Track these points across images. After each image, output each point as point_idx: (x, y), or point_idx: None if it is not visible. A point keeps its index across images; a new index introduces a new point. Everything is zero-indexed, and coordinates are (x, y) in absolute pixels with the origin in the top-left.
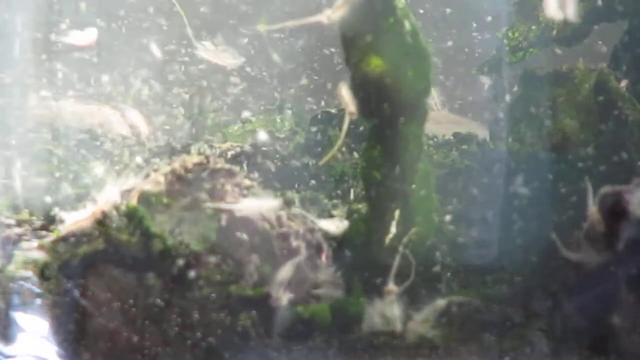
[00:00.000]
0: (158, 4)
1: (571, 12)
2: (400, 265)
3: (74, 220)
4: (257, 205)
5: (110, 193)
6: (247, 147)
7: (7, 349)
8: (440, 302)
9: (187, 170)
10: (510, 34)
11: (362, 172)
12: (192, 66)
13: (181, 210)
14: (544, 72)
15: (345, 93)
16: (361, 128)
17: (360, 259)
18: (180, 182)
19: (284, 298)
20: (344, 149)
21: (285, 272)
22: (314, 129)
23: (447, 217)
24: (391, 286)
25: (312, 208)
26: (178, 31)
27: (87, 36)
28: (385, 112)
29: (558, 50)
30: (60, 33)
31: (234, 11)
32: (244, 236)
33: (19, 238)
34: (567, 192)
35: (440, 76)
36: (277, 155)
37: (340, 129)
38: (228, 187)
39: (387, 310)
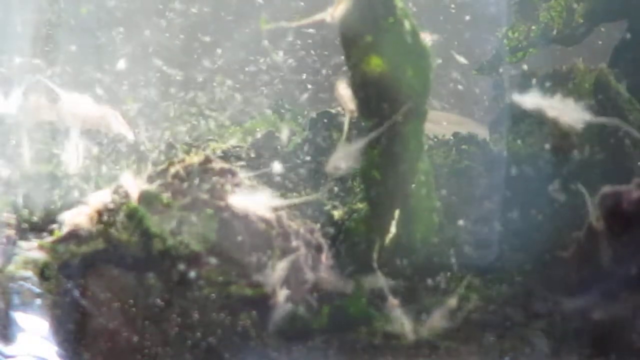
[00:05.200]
0: (159, 4)
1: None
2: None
3: (70, 218)
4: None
5: (102, 194)
6: (247, 147)
7: (7, 349)
8: (452, 304)
9: (187, 170)
10: (510, 34)
11: (362, 172)
12: (193, 66)
13: (181, 210)
14: (544, 72)
15: (343, 91)
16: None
17: (361, 258)
18: (180, 182)
19: (282, 295)
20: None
21: (282, 268)
22: (313, 129)
23: (447, 217)
24: (392, 300)
25: (311, 208)
26: (178, 30)
27: None
28: (385, 112)
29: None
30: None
31: (235, 9)
32: (244, 236)
33: (19, 238)
34: (566, 192)
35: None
36: (277, 156)
37: (339, 130)
38: (228, 187)
39: (397, 322)
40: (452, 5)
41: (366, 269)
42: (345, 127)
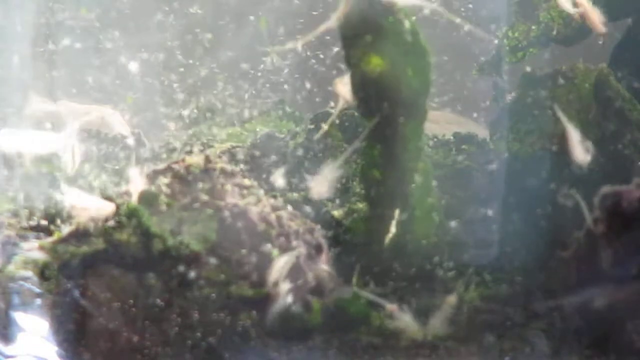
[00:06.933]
0: (159, 4)
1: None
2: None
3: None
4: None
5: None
6: (247, 147)
7: (7, 349)
8: (451, 300)
9: (187, 170)
10: (510, 33)
11: (362, 172)
12: (193, 66)
13: (181, 210)
14: (544, 72)
15: (341, 87)
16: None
17: (360, 258)
18: (180, 182)
19: (281, 289)
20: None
21: (282, 263)
22: (313, 129)
23: (447, 217)
24: (390, 306)
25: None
26: (178, 31)
27: None
28: (385, 112)
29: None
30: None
31: (234, 9)
32: (244, 236)
33: (19, 238)
34: (566, 192)
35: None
36: (277, 156)
37: (340, 130)
38: (228, 187)
39: (401, 324)
40: (462, 9)
41: (365, 270)
42: (335, 114)
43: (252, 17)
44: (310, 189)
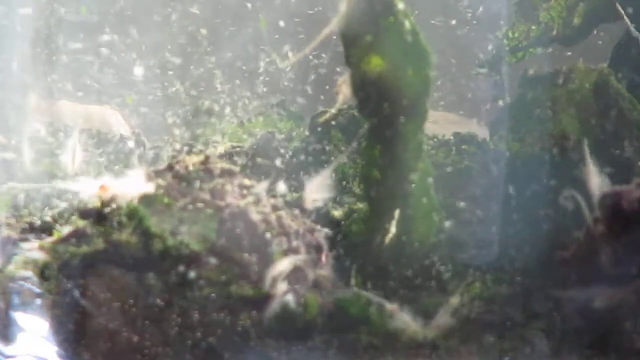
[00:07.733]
0: (158, 4)
1: None
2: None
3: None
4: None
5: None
6: (247, 147)
7: (7, 349)
8: (452, 301)
9: (187, 170)
10: (510, 34)
11: (362, 172)
12: (194, 67)
13: (181, 210)
14: (544, 72)
15: (345, 87)
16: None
17: (360, 258)
18: (180, 182)
19: (279, 289)
20: (343, 148)
21: (284, 264)
22: (313, 129)
23: (447, 217)
24: (390, 306)
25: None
26: (179, 31)
27: None
28: (385, 112)
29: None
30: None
31: (232, 10)
32: (244, 236)
33: (19, 238)
34: (566, 192)
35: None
36: (277, 156)
37: (340, 130)
38: (228, 187)
39: (401, 324)
40: (469, 11)
41: (365, 270)
42: (333, 112)
43: (252, 18)
44: (305, 198)
